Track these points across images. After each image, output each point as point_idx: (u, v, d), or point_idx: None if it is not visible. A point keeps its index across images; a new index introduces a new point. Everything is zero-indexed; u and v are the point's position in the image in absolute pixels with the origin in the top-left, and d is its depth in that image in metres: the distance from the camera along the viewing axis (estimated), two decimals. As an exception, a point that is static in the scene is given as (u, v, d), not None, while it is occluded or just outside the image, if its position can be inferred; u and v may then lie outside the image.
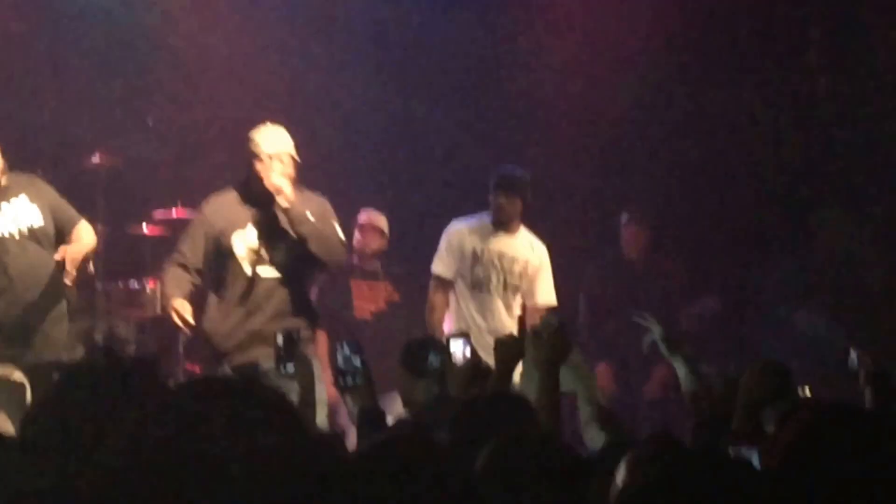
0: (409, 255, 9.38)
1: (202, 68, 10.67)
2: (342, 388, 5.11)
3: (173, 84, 10.62)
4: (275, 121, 7.35)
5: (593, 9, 10.65)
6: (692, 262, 10.16)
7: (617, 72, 10.49)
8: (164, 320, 9.44)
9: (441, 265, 8.22)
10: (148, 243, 9.82)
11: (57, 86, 10.54)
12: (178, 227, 9.52)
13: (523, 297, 8.24)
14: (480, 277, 8.16)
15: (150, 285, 9.48)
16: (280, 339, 6.14)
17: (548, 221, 9.07)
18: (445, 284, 8.21)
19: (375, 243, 9.33)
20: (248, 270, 7.23)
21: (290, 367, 6.09)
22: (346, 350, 5.14)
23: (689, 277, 9.99)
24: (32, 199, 6.90)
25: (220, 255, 7.28)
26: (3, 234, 6.80)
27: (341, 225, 7.55)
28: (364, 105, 10.70)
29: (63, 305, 7.09)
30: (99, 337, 9.25)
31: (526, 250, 8.30)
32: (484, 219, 8.28)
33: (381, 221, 9.43)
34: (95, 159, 9.67)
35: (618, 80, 10.50)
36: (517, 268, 8.23)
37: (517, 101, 10.74)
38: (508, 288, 8.21)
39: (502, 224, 8.23)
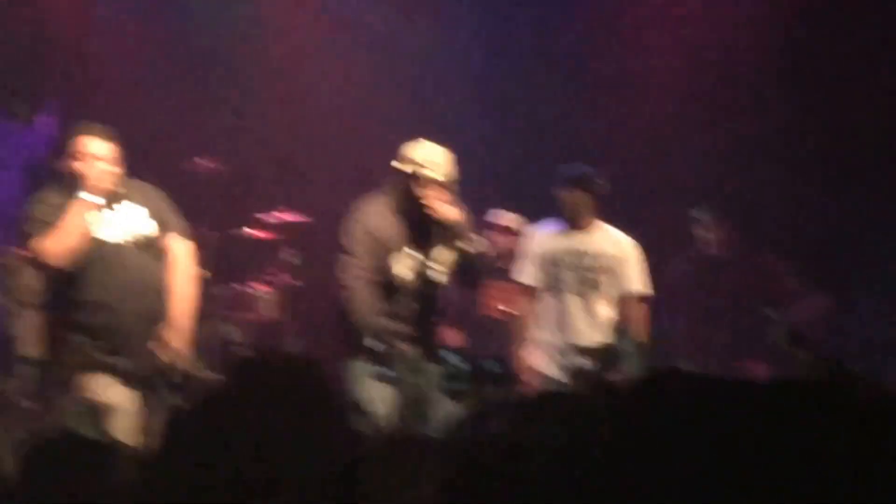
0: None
1: (303, 72, 10.73)
2: (449, 392, 5.09)
3: (274, 88, 10.67)
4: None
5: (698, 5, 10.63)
6: (797, 260, 10.07)
7: (719, 67, 10.47)
8: (273, 323, 9.55)
9: (520, 272, 8.18)
10: (253, 246, 9.83)
11: (161, 91, 10.62)
12: (283, 229, 9.62)
13: (617, 289, 8.13)
14: (556, 279, 8.06)
15: (257, 288, 9.51)
16: (374, 346, 6.12)
17: (628, 223, 9.10)
18: (527, 290, 8.14)
19: (508, 244, 9.36)
20: (399, 282, 7.13)
21: (389, 373, 6.07)
22: (454, 356, 5.12)
23: (789, 274, 9.89)
24: (143, 206, 6.85)
25: (378, 264, 7.15)
26: (110, 241, 6.75)
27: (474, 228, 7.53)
28: (481, 105, 10.70)
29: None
30: (208, 340, 9.29)
31: (603, 244, 8.12)
32: (559, 222, 8.19)
33: (513, 222, 9.48)
34: (199, 164, 9.72)
35: (720, 75, 10.47)
36: (593, 263, 8.06)
37: (601, 89, 10.74)
38: (586, 284, 8.06)
39: (573, 221, 8.10)
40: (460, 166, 7.92)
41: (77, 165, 6.66)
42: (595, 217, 8.16)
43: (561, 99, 10.78)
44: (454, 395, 5.17)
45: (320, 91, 10.70)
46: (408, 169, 7.07)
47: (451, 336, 8.21)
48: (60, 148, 9.61)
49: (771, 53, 10.48)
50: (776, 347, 8.51)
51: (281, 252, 9.68)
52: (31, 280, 9.03)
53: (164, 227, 6.85)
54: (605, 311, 8.11)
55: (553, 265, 8.08)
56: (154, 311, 6.78)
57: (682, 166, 10.60)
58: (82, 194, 6.60)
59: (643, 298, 8.23)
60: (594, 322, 8.02)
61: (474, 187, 9.34)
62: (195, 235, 9.15)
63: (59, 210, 6.61)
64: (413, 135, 7.25)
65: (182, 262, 6.92)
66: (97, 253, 6.69)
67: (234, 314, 9.54)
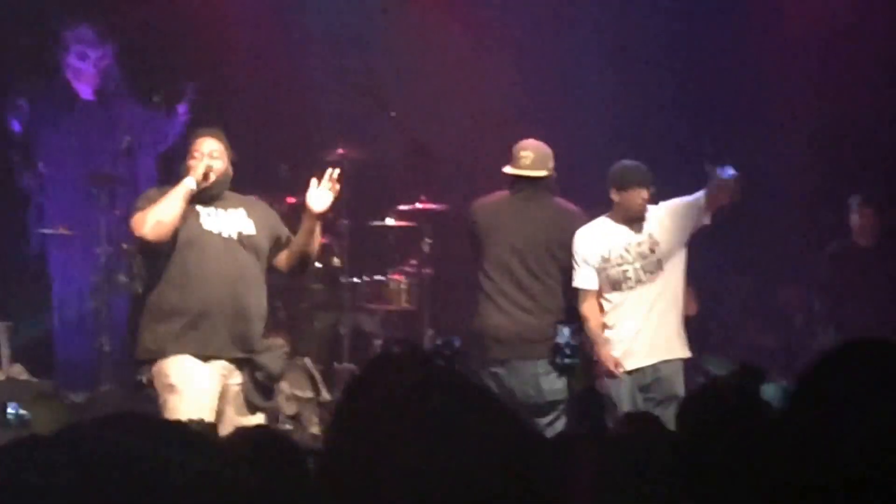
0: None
1: (440, 60, 10.60)
2: (557, 367, 4.90)
3: (413, 75, 10.54)
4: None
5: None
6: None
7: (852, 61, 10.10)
8: (410, 314, 9.37)
9: (578, 279, 7.72)
10: (393, 236, 9.66)
11: (298, 79, 10.54)
12: (423, 219, 9.45)
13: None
14: (617, 278, 7.69)
15: (395, 278, 9.37)
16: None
17: (773, 214, 8.81)
18: (589, 294, 7.71)
19: None
20: None
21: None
22: (567, 331, 4.92)
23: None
24: (249, 215, 6.95)
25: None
26: (210, 230, 6.80)
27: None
28: (601, 101, 10.50)
29: (264, 309, 6.90)
30: (344, 331, 9.17)
31: (646, 224, 7.75)
32: (604, 219, 7.80)
33: None
34: (338, 152, 9.53)
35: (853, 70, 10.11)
36: (645, 248, 7.70)
37: (743, 86, 10.50)
38: (646, 272, 7.69)
39: (637, 217, 7.74)
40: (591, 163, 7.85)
41: (190, 162, 6.88)
42: None
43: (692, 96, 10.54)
44: (564, 371, 4.93)
45: (459, 79, 10.56)
46: None
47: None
48: (190, 136, 9.76)
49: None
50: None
51: (421, 242, 9.51)
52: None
53: (278, 239, 6.98)
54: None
55: (609, 265, 7.69)
56: (247, 304, 6.75)
57: (831, 155, 10.25)
58: (185, 180, 6.77)
59: None
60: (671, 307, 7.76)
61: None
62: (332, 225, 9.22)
63: (157, 198, 6.78)
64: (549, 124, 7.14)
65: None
66: (197, 241, 6.75)
67: (371, 305, 9.41)
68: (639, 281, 7.66)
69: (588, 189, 8.33)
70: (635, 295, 7.64)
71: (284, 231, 7.03)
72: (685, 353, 7.66)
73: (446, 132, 10.44)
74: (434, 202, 9.53)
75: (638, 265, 7.69)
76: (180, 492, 1.83)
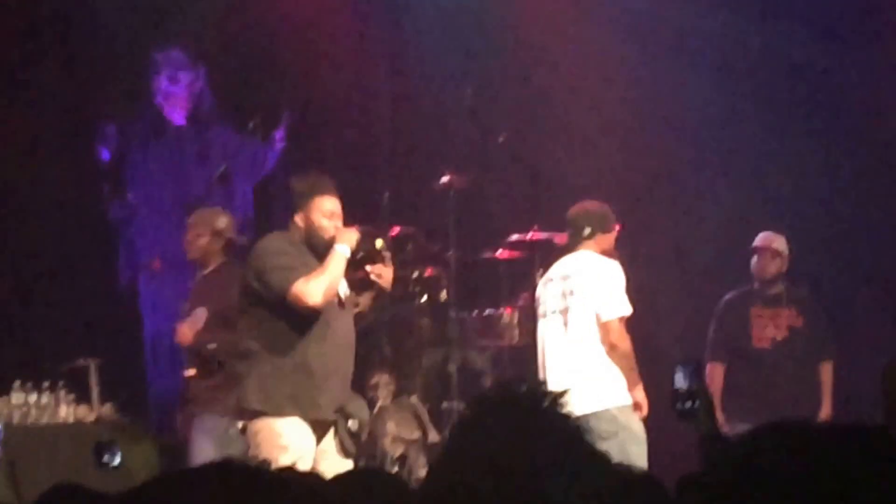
0: (812, 277, 9.00)
1: (551, 82, 10.19)
2: (678, 413, 4.47)
3: (522, 98, 10.20)
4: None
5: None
6: None
7: None
8: (522, 350, 8.89)
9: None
10: (504, 267, 9.18)
11: (401, 103, 10.25)
12: (536, 249, 8.98)
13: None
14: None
15: (506, 312, 8.89)
16: None
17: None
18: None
19: (774, 267, 8.76)
20: None
21: None
22: (683, 372, 4.48)
23: None
24: None
25: None
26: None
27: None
28: (718, 126, 10.09)
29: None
30: (453, 368, 8.72)
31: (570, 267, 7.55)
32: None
33: (780, 243, 8.82)
34: (445, 180, 9.11)
35: None
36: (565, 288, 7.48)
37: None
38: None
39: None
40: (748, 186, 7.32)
41: (322, 221, 6.73)
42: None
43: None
44: (684, 417, 4.51)
45: (571, 103, 10.13)
46: None
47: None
48: (287, 163, 9.55)
49: None
50: None
51: (534, 274, 9.00)
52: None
53: None
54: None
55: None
56: (352, 366, 6.87)
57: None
58: (340, 248, 6.65)
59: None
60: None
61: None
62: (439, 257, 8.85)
63: (297, 258, 6.63)
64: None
65: None
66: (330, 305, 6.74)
67: (481, 341, 8.97)
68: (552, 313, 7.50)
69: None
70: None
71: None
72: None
73: (559, 157, 10.03)
74: (547, 231, 8.98)
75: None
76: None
